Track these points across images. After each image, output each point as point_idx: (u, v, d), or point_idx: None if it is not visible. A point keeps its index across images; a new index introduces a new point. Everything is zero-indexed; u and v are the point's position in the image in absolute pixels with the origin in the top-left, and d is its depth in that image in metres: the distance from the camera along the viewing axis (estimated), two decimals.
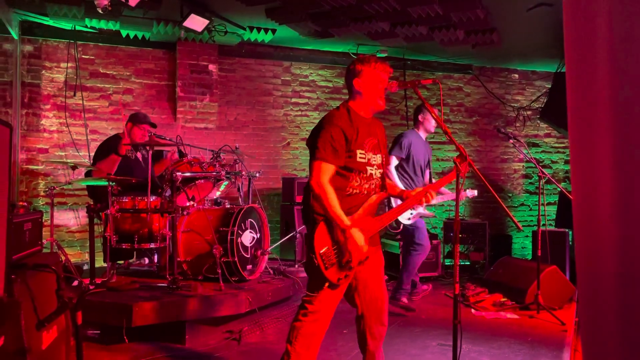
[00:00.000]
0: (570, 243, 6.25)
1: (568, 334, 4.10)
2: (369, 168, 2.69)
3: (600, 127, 0.84)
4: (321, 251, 2.56)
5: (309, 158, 2.68)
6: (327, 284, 2.61)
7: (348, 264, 2.61)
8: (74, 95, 6.13)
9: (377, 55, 2.85)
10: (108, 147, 4.64)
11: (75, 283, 4.20)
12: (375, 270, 2.79)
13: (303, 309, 2.68)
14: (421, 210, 4.73)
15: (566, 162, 8.38)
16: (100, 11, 4.97)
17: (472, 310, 4.89)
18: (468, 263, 6.98)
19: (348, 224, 2.55)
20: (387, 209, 4.48)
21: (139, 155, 4.82)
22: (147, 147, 4.22)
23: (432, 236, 6.55)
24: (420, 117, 4.98)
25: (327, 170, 2.60)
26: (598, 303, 0.95)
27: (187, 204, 4.51)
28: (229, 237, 4.18)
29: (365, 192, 2.71)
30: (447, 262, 6.88)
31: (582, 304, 1.06)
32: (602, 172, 0.83)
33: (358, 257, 2.62)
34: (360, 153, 2.66)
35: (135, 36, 6.18)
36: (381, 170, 2.79)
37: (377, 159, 2.76)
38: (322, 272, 2.56)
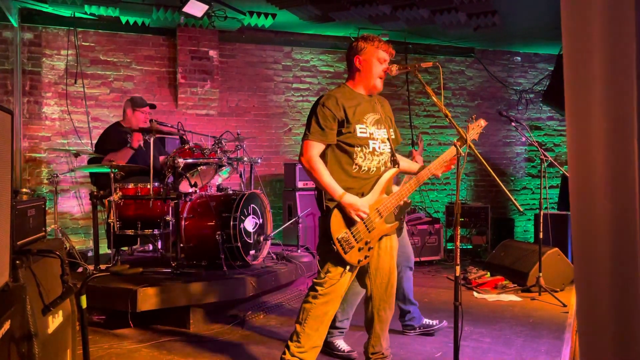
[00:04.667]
0: None
1: (569, 316, 4.13)
2: (371, 142, 2.69)
3: (595, 105, 0.84)
4: (339, 236, 2.57)
5: None
6: (347, 267, 2.64)
7: (368, 245, 2.63)
8: (75, 82, 6.12)
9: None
10: (117, 138, 4.66)
11: (80, 269, 4.24)
12: (388, 254, 2.81)
13: (313, 291, 2.70)
14: None
15: None
16: None
17: (474, 293, 4.92)
18: (470, 247, 7.01)
19: (340, 194, 2.56)
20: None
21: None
22: (150, 133, 4.22)
23: (435, 220, 6.58)
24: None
25: (314, 147, 2.63)
26: (593, 283, 0.96)
27: (190, 190, 4.53)
28: (231, 223, 4.20)
29: (375, 169, 2.71)
30: (449, 245, 6.91)
31: (578, 284, 1.07)
32: (597, 150, 0.84)
33: (375, 232, 2.63)
34: (360, 128, 2.67)
35: (135, 22, 6.15)
36: (388, 145, 2.78)
37: (382, 133, 2.75)
38: (343, 257, 2.58)
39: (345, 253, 2.58)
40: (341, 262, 2.62)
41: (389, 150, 2.79)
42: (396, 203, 2.73)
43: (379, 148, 2.72)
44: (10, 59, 5.83)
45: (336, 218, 2.59)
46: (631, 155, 0.82)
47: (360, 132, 2.67)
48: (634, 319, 0.88)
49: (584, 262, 0.94)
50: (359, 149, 2.67)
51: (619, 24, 0.85)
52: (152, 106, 4.97)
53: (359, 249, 2.62)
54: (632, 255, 0.85)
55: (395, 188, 2.79)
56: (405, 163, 2.95)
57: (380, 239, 2.75)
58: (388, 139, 2.78)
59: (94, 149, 5.10)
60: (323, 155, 2.69)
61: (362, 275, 2.83)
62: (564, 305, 4.39)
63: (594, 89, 0.86)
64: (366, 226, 2.62)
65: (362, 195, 2.66)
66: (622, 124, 0.83)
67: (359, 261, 2.63)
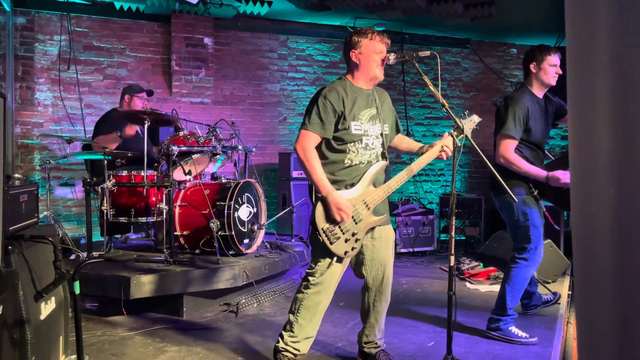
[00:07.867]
0: (565, 218, 6.29)
1: (561, 306, 4.16)
2: (364, 138, 2.70)
3: (600, 92, 0.83)
4: (324, 227, 2.57)
5: None
6: (335, 258, 2.64)
7: (355, 236, 2.63)
8: (68, 68, 6.06)
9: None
10: (112, 122, 4.61)
11: (73, 257, 4.21)
12: (382, 244, 2.81)
13: (306, 281, 2.72)
14: None
15: (562, 137, 8.39)
16: None
17: (467, 284, 4.94)
18: (463, 238, 7.03)
19: (328, 191, 2.56)
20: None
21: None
22: (145, 121, 4.18)
23: (428, 211, 6.59)
24: (532, 66, 3.54)
25: (312, 138, 2.63)
26: (593, 273, 0.96)
27: (184, 178, 4.51)
28: (225, 211, 4.19)
29: (366, 162, 2.72)
30: (443, 236, 6.93)
31: (577, 275, 1.06)
32: (601, 139, 0.84)
33: (362, 224, 2.63)
34: (355, 125, 2.67)
35: (129, 8, 6.08)
36: (380, 141, 2.78)
37: (376, 129, 2.75)
38: (328, 247, 2.58)
39: (332, 244, 2.58)
40: (328, 253, 2.62)
41: (381, 146, 2.80)
42: (384, 195, 2.74)
43: (372, 144, 2.74)
44: (3, 44, 5.76)
45: (322, 208, 2.59)
46: (638, 142, 0.81)
47: (355, 130, 2.67)
48: (635, 310, 0.88)
49: (584, 252, 0.94)
50: (352, 144, 2.68)
51: (626, 9, 0.84)
52: (150, 93, 4.94)
53: (346, 240, 2.61)
54: (636, 244, 0.85)
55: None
56: (405, 144, 3.00)
57: (374, 229, 2.75)
58: (382, 134, 2.78)
59: (90, 135, 5.06)
60: (317, 147, 2.68)
61: (358, 265, 2.83)
62: None
63: (598, 76, 0.85)
64: (353, 218, 2.62)
65: (352, 186, 2.66)
66: (629, 112, 0.82)
67: (345, 252, 2.63)
